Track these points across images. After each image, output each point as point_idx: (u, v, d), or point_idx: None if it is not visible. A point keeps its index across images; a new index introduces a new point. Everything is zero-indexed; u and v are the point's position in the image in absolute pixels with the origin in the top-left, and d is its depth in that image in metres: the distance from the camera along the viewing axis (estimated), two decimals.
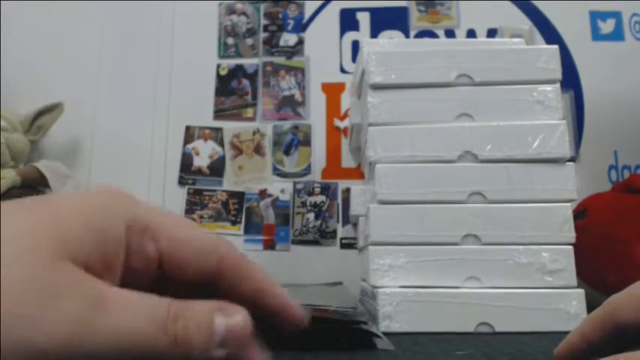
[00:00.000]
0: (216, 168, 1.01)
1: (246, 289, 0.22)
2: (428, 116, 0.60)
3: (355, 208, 0.78)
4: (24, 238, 0.18)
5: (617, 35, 1.01)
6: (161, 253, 0.21)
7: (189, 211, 0.99)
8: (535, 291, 0.54)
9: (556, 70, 0.60)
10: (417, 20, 1.04)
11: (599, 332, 0.29)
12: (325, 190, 0.97)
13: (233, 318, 0.19)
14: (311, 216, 0.96)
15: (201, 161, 1.01)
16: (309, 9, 1.06)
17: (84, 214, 0.20)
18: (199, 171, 1.01)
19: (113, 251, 0.20)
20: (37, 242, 0.18)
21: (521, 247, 0.55)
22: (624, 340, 0.27)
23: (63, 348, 0.17)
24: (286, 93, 1.03)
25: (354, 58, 1.02)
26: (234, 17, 1.07)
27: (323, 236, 0.96)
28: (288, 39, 1.05)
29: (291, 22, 1.06)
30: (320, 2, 1.06)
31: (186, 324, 0.19)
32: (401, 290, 0.54)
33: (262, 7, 1.07)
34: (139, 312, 0.18)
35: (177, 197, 0.99)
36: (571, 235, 0.56)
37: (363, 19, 1.05)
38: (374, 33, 1.03)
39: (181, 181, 1.00)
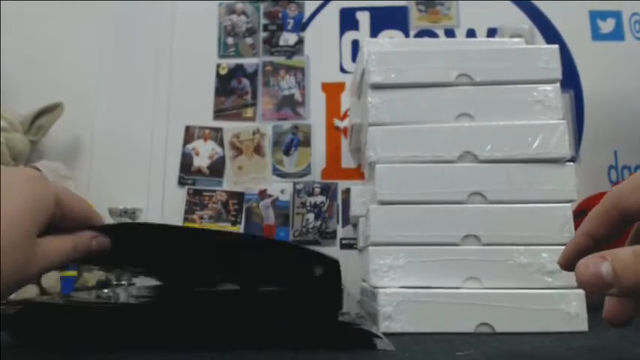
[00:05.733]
0: (216, 168, 1.01)
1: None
2: (428, 116, 0.60)
3: (355, 209, 0.77)
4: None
5: (617, 35, 1.01)
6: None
7: (188, 211, 0.99)
8: (535, 291, 0.54)
9: (556, 70, 0.60)
10: (416, 20, 1.04)
11: (604, 226, 0.28)
12: (325, 190, 0.97)
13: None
14: (311, 216, 0.96)
15: (201, 161, 1.01)
16: (309, 8, 1.06)
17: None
18: (199, 171, 1.01)
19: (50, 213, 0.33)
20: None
21: (521, 247, 0.55)
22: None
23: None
24: (286, 92, 1.02)
25: (354, 58, 1.02)
26: (234, 17, 1.07)
27: (323, 237, 0.96)
28: (288, 38, 1.05)
29: (291, 22, 1.06)
30: (320, 2, 1.06)
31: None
32: (401, 290, 0.54)
33: (262, 6, 1.07)
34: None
35: (177, 197, 0.99)
36: (571, 235, 0.56)
37: (363, 18, 1.05)
38: (374, 32, 1.03)
39: (181, 182, 1.00)
